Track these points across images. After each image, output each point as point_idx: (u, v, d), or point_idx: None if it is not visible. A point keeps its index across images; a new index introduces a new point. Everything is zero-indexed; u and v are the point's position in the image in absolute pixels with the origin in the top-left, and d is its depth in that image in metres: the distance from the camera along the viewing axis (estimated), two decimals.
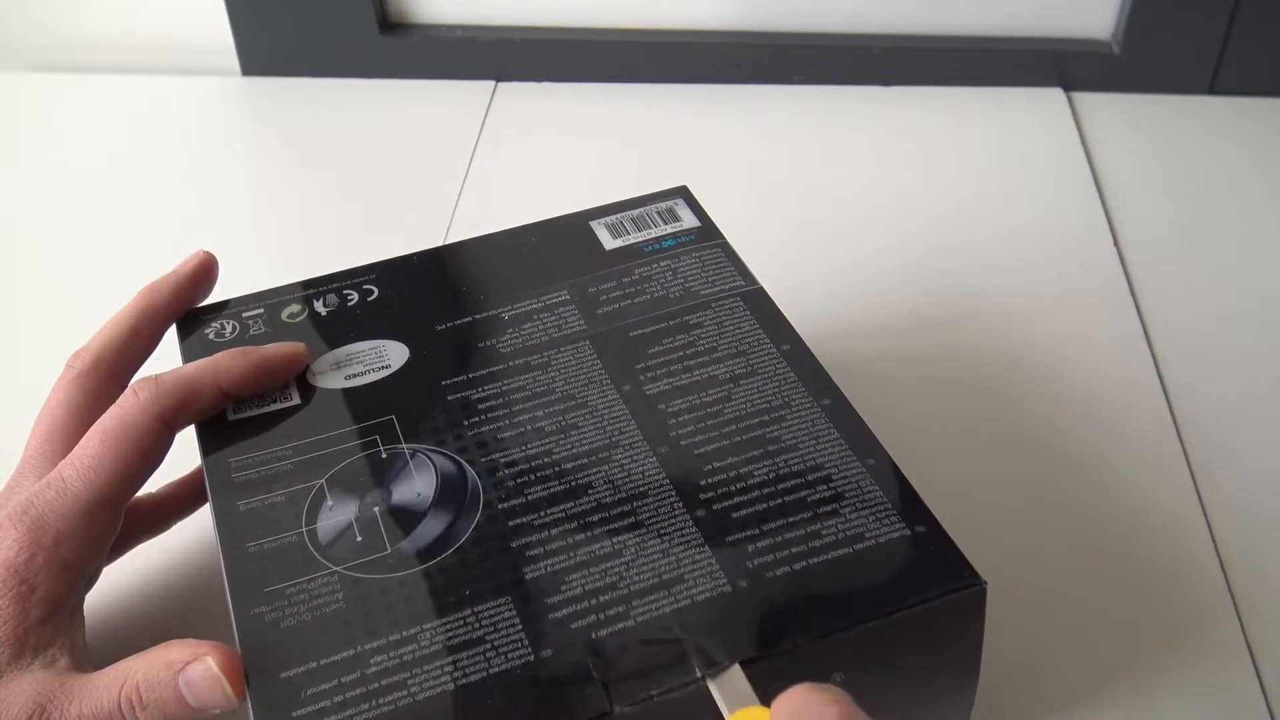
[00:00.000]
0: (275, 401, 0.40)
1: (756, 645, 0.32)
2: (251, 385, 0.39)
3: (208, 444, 0.39)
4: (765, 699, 0.32)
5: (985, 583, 0.34)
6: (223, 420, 0.39)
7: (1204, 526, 0.46)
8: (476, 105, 0.70)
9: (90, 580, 0.38)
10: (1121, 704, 0.40)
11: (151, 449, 0.37)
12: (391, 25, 0.72)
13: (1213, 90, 0.70)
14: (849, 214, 0.62)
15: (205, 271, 0.43)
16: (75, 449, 0.37)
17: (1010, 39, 0.70)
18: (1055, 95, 0.70)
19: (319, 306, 0.43)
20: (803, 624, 0.33)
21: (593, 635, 0.33)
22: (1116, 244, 0.60)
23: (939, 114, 0.69)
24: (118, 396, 0.38)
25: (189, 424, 0.39)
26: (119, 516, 0.37)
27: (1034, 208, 0.62)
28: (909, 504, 0.36)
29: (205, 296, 0.44)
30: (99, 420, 0.37)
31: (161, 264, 0.60)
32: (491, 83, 0.72)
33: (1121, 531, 0.46)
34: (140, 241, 0.62)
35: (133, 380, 0.39)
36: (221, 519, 0.36)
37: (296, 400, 0.40)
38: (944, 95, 0.70)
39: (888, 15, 0.70)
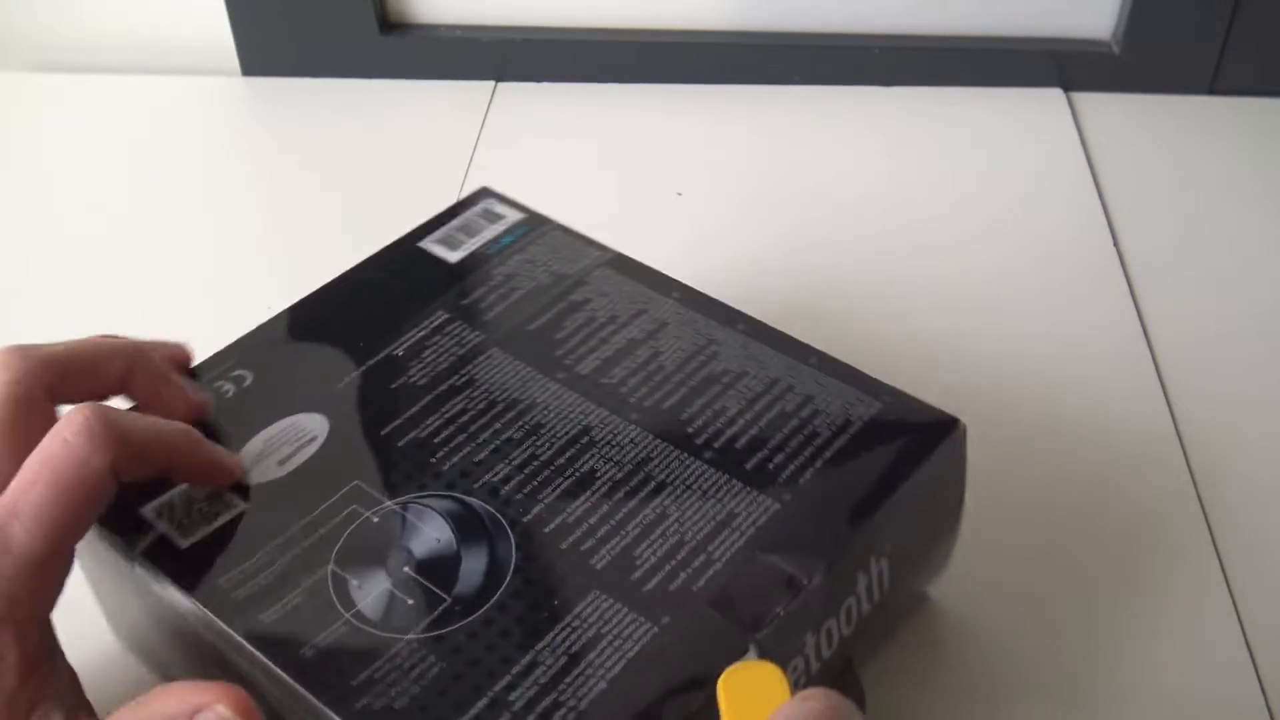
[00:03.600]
0: (219, 516, 0.36)
1: (833, 544, 0.35)
2: (192, 477, 0.36)
3: (184, 581, 0.35)
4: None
5: (961, 420, 0.38)
6: (177, 553, 0.35)
7: (1204, 525, 0.46)
8: (476, 105, 0.70)
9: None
10: (1120, 699, 0.40)
11: (101, 500, 0.33)
12: (391, 25, 0.72)
13: (1213, 90, 0.70)
14: (848, 214, 0.62)
15: (182, 363, 0.40)
16: (16, 491, 0.32)
17: (1010, 39, 0.70)
18: (1055, 95, 0.70)
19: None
20: (855, 511, 0.36)
21: (692, 588, 0.34)
22: (1116, 244, 0.60)
23: (939, 114, 0.69)
24: (50, 413, 0.34)
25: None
26: (70, 560, 0.33)
27: (1034, 208, 0.62)
28: (866, 382, 0.40)
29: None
30: (45, 455, 0.32)
31: (161, 264, 0.60)
32: (491, 83, 0.72)
33: (1120, 530, 0.46)
34: (140, 241, 0.62)
35: (80, 411, 0.33)
36: (253, 640, 0.33)
37: (241, 505, 0.37)
38: (944, 95, 0.70)
39: (888, 15, 0.70)
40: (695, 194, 0.63)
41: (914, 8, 0.70)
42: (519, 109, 0.70)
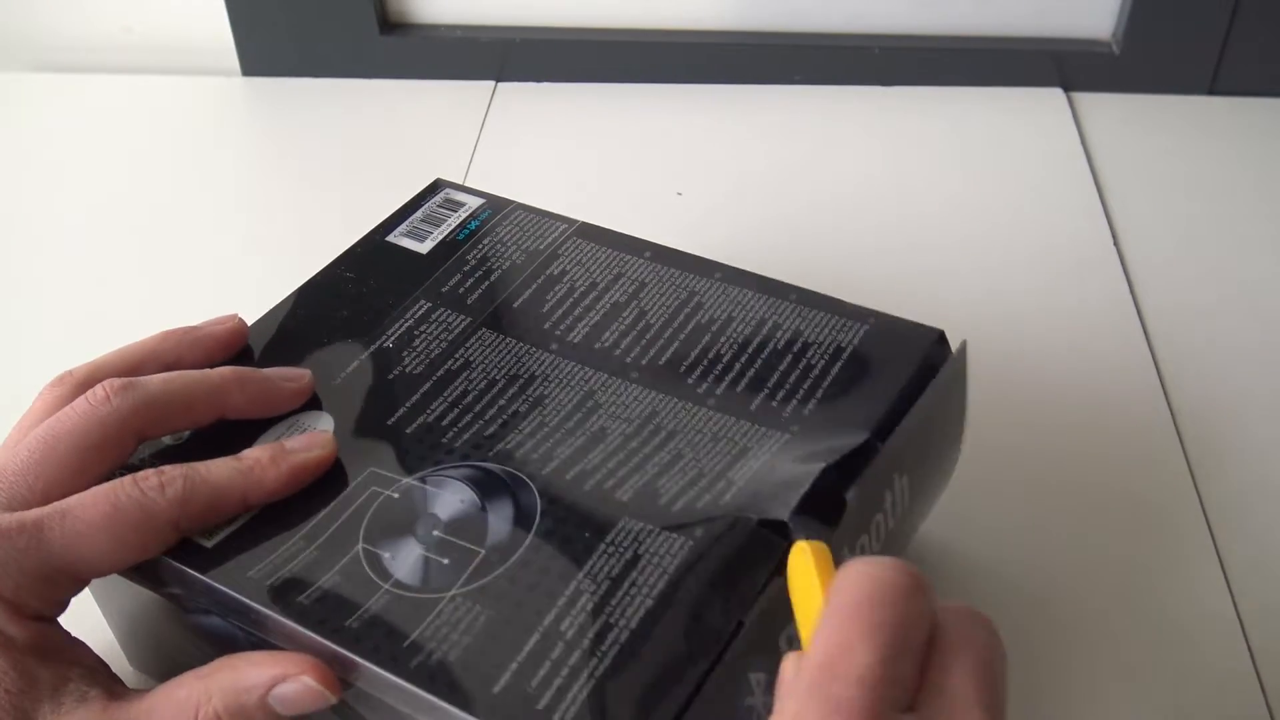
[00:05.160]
0: (239, 517, 0.36)
1: (863, 459, 0.35)
2: (277, 498, 0.36)
3: (222, 579, 0.34)
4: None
5: (943, 330, 0.39)
6: (204, 552, 0.35)
7: (1204, 525, 0.46)
8: (476, 105, 0.70)
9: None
10: (1118, 698, 0.40)
11: (155, 551, 0.34)
12: (391, 25, 0.72)
13: (1213, 90, 0.70)
14: (849, 214, 0.62)
15: (236, 340, 0.41)
16: (75, 502, 0.33)
17: (1010, 39, 0.70)
18: (1055, 95, 0.70)
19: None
20: (876, 426, 0.36)
21: (718, 503, 0.34)
22: (1116, 244, 0.60)
23: (939, 114, 0.69)
24: (129, 449, 0.36)
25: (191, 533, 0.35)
26: (82, 587, 0.34)
27: (1034, 208, 0.62)
28: (847, 309, 0.41)
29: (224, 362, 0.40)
30: (113, 490, 0.33)
31: (160, 264, 0.60)
32: (491, 83, 0.72)
33: (1120, 530, 0.46)
34: (139, 242, 0.62)
35: (165, 470, 0.35)
36: (295, 617, 0.33)
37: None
38: (944, 95, 0.70)
39: (888, 15, 0.70)
40: (695, 194, 0.63)
41: (914, 8, 0.70)
42: (519, 109, 0.70)
